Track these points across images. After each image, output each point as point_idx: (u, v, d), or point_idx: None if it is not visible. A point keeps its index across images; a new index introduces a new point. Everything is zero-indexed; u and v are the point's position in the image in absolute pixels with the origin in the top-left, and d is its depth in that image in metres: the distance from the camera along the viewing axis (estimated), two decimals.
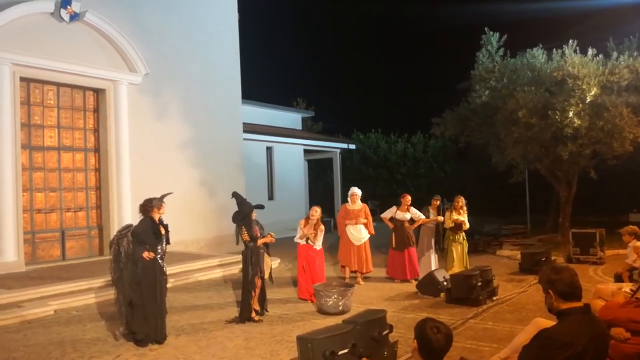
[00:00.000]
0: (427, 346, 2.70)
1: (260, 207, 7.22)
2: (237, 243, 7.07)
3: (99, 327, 6.69)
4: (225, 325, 6.60)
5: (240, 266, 10.72)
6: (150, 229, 5.94)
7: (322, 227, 8.08)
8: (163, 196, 6.21)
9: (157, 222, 6.03)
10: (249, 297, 6.81)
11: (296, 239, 8.09)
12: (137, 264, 5.82)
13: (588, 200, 16.85)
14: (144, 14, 12.21)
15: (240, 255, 10.98)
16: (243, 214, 7.01)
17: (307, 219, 8.05)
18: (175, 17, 12.92)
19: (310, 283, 7.80)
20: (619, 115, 12.10)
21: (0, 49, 9.69)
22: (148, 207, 6.03)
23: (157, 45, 12.37)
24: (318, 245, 8.02)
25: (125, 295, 5.88)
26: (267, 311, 7.15)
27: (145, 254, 5.81)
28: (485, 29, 14.65)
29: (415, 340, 2.78)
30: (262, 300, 7.09)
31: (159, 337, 5.91)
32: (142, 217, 6.03)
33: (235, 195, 7.24)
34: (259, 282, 6.98)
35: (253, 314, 6.79)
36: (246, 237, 6.84)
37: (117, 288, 5.99)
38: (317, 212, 7.95)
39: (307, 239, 7.95)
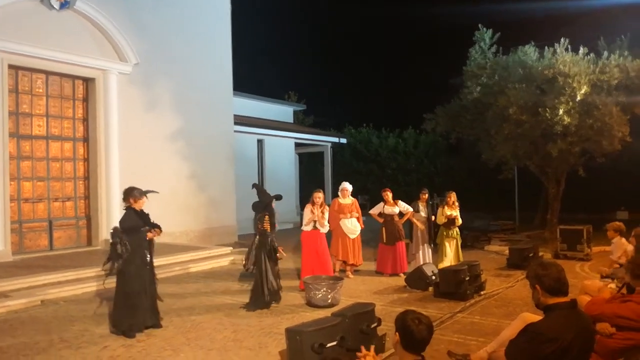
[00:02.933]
0: (409, 337, 2.73)
1: (279, 197, 7.44)
2: (255, 230, 7.23)
3: (87, 317, 6.66)
4: (213, 317, 6.59)
5: (231, 258, 10.79)
6: (137, 218, 5.98)
7: (326, 207, 8.32)
8: (147, 191, 6.19)
9: (139, 212, 6.07)
10: (263, 284, 6.96)
11: (303, 227, 8.18)
12: (123, 256, 5.78)
13: (576, 197, 16.99)
14: (135, 4, 12.09)
15: (230, 248, 11.02)
16: (264, 204, 7.21)
17: (313, 203, 8.15)
18: (167, 7, 12.80)
19: (321, 270, 7.89)
20: (608, 114, 12.20)
21: None
22: (128, 195, 6.04)
23: (148, 35, 12.27)
24: (326, 227, 8.19)
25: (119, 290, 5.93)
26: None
27: (150, 234, 5.93)
28: (479, 25, 14.67)
29: (396, 333, 2.80)
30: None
31: (148, 325, 5.97)
32: (125, 210, 6.02)
33: (255, 185, 7.55)
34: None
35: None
36: (267, 225, 7.08)
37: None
38: (320, 196, 8.21)
39: (314, 224, 8.04)
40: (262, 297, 6.95)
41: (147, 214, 6.17)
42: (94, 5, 11.06)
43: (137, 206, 6.04)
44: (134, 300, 5.86)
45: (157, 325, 6.08)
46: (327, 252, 8.36)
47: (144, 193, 6.12)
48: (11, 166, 10.18)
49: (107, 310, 6.88)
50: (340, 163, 25.45)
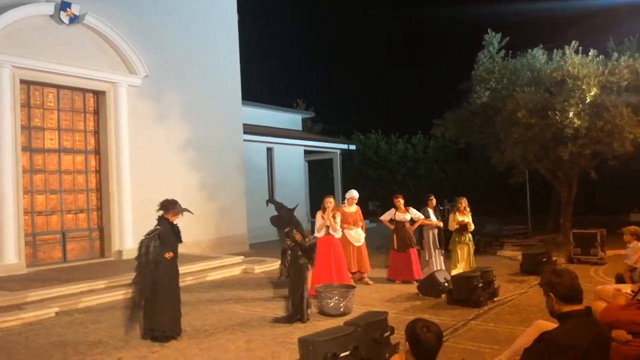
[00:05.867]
0: (419, 346, 2.73)
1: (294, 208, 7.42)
2: (284, 245, 7.15)
3: (101, 329, 6.70)
4: (226, 327, 6.60)
5: (243, 267, 10.82)
6: (170, 231, 6.21)
7: (338, 213, 8.39)
8: (184, 209, 6.39)
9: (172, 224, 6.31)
10: (301, 297, 6.82)
11: (316, 233, 8.22)
12: (157, 264, 5.99)
13: (589, 200, 16.86)
14: (143, 16, 12.22)
15: (242, 257, 11.04)
16: (288, 217, 7.16)
17: (324, 209, 8.22)
18: (174, 19, 12.94)
19: (338, 276, 7.91)
20: (619, 116, 12.08)
21: (0, 52, 9.71)
22: (169, 207, 6.27)
23: (157, 47, 12.39)
24: (339, 232, 8.29)
25: (144, 296, 6.02)
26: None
27: (167, 255, 6.09)
28: (488, 30, 14.63)
29: (407, 343, 2.79)
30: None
31: (174, 333, 6.14)
32: (159, 219, 6.22)
33: (270, 201, 7.49)
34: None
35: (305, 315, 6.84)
36: (299, 237, 6.99)
37: (136, 288, 6.07)
38: (331, 201, 8.29)
39: (327, 229, 8.13)
40: (301, 312, 6.82)
41: (177, 226, 6.39)
42: (103, 19, 11.19)
43: (172, 219, 6.29)
44: (165, 308, 6.05)
45: (176, 335, 6.17)
46: (344, 258, 8.39)
47: (181, 210, 6.35)
48: (24, 179, 10.28)
49: (120, 322, 6.93)
50: (350, 169, 25.43)
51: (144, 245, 5.99)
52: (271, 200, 7.59)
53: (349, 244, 9.05)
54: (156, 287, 5.99)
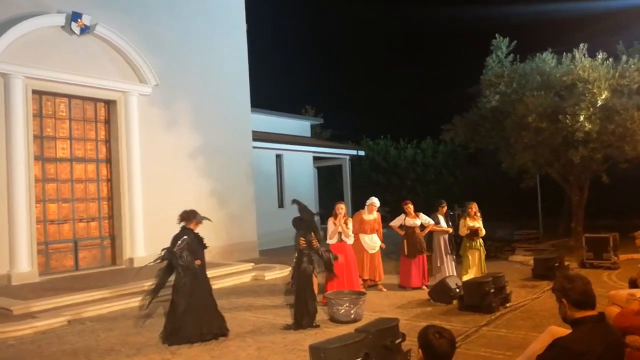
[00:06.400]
0: (431, 352, 2.70)
1: (317, 214, 7.61)
2: (297, 247, 7.11)
3: (112, 337, 6.74)
4: (237, 335, 6.60)
5: (253, 274, 10.83)
6: (196, 240, 6.39)
7: (350, 219, 8.39)
8: (204, 217, 6.59)
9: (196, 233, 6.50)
10: (305, 302, 6.85)
11: (328, 240, 8.20)
12: (189, 273, 6.16)
13: (600, 204, 16.70)
14: (153, 25, 12.34)
15: (252, 264, 11.04)
16: (309, 221, 7.20)
17: (335, 216, 8.19)
18: (184, 28, 13.04)
19: (348, 283, 7.88)
20: (630, 119, 12.00)
21: (13, 63, 9.85)
22: (191, 217, 6.45)
23: (166, 56, 12.49)
24: (351, 238, 8.26)
25: (184, 302, 6.19)
26: None
27: (196, 262, 6.28)
28: (496, 35, 14.60)
29: (419, 350, 2.78)
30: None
31: (220, 332, 6.41)
32: (182, 229, 6.38)
33: (295, 202, 7.45)
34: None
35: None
36: (316, 243, 7.04)
37: (176, 295, 6.23)
38: (343, 207, 8.25)
39: (340, 236, 8.12)
40: (308, 315, 6.81)
41: (198, 234, 6.56)
42: (113, 29, 11.31)
43: (194, 228, 6.48)
44: (201, 313, 6.24)
45: (224, 332, 6.44)
46: (355, 265, 8.36)
47: (202, 219, 6.55)
48: (37, 188, 10.39)
49: (132, 330, 6.95)
50: (359, 175, 25.40)
51: (177, 255, 6.10)
52: (296, 201, 7.47)
53: (363, 250, 9.02)
54: (193, 295, 6.16)
